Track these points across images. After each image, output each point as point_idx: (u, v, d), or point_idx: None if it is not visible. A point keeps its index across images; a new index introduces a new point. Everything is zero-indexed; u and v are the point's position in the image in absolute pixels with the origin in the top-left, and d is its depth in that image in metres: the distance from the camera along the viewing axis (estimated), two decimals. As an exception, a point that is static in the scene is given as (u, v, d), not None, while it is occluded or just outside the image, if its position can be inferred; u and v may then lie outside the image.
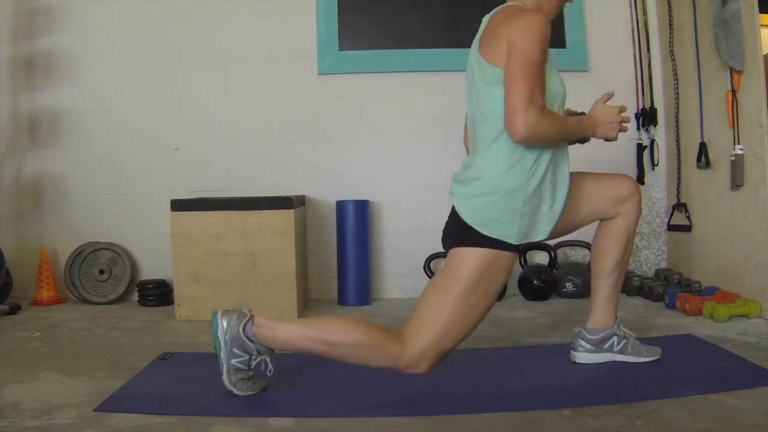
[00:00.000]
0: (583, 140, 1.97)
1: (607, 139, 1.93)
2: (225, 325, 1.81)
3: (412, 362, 1.80)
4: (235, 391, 1.82)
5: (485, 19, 1.92)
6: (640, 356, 2.06)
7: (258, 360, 1.83)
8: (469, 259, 1.81)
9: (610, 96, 1.95)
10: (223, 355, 1.81)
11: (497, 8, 1.89)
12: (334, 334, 1.80)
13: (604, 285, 2.04)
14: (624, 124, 1.92)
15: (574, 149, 1.98)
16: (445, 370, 2.10)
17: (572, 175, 1.94)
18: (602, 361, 2.05)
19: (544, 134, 1.73)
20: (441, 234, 1.93)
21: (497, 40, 1.77)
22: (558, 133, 1.79)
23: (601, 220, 2.06)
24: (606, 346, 2.05)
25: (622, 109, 1.92)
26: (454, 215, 1.88)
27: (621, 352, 2.05)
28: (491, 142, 1.82)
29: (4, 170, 3.50)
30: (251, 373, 1.85)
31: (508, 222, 1.80)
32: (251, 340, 1.80)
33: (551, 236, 1.93)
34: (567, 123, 1.84)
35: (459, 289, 1.80)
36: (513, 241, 1.81)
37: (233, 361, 1.81)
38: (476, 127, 1.89)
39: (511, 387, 1.90)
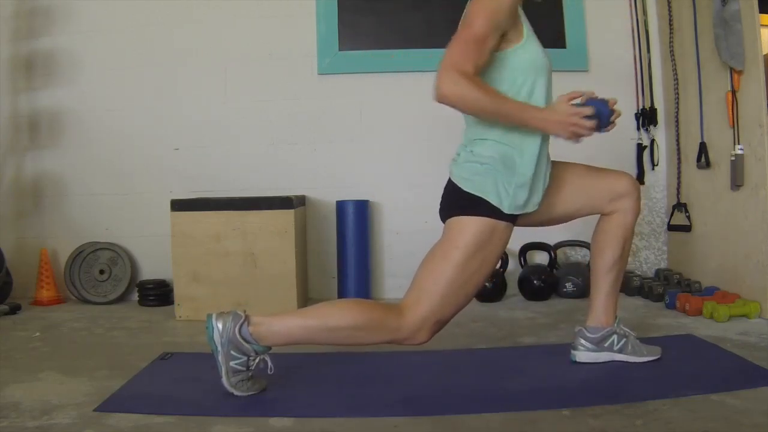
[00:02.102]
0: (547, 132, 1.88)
1: (556, 136, 1.83)
2: (220, 327, 1.80)
3: (411, 332, 1.83)
4: (236, 393, 1.83)
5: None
6: (640, 356, 2.06)
7: (257, 360, 1.83)
8: (466, 227, 1.83)
9: (575, 96, 1.86)
10: (220, 358, 1.81)
11: None
12: (331, 318, 1.82)
13: (602, 283, 2.05)
14: (583, 132, 1.80)
15: (572, 149, 1.98)
16: (445, 370, 2.11)
17: (572, 165, 1.99)
18: (602, 360, 2.05)
19: (461, 99, 1.70)
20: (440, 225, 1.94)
21: (462, 18, 1.82)
22: (484, 105, 1.73)
23: (600, 218, 2.06)
24: (606, 345, 2.05)
25: (582, 113, 1.80)
26: (449, 185, 1.90)
27: (621, 351, 2.05)
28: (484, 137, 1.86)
29: (4, 170, 3.50)
30: (251, 374, 1.85)
31: (502, 190, 1.81)
32: (248, 341, 1.80)
33: (548, 221, 2.00)
34: (503, 102, 1.76)
35: (457, 257, 1.82)
36: (506, 209, 1.82)
37: (231, 363, 1.81)
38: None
39: (511, 387, 1.90)
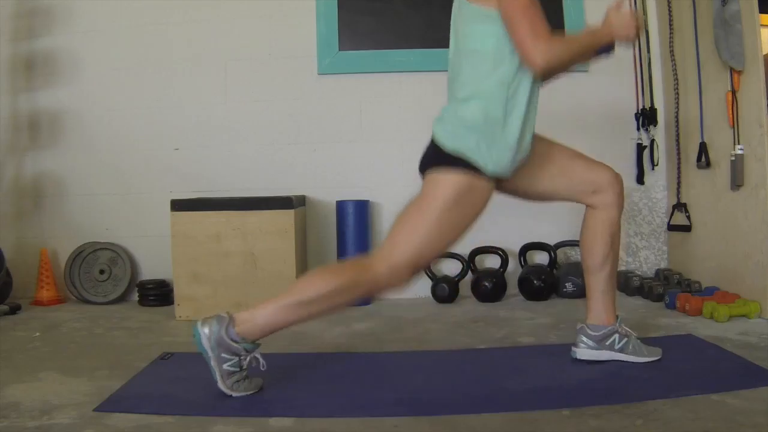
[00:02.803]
0: (603, 51, 1.97)
1: (624, 41, 1.93)
2: (207, 332, 1.81)
3: (388, 280, 1.86)
4: (234, 394, 1.83)
5: None
6: (640, 356, 2.05)
7: (248, 359, 1.85)
8: (445, 181, 1.85)
9: (621, 1, 1.97)
10: (212, 362, 1.82)
11: None
12: (306, 292, 1.84)
13: (596, 282, 2.05)
14: (641, 26, 1.95)
15: (574, 145, 1.98)
16: (445, 370, 2.11)
17: (561, 146, 2.03)
18: (603, 359, 2.05)
19: (560, 59, 1.80)
20: None
21: None
22: (574, 52, 1.86)
23: (585, 214, 2.07)
24: (607, 344, 2.05)
25: (632, 12, 1.94)
26: (431, 143, 1.93)
27: (622, 350, 2.05)
28: (473, 78, 1.87)
29: (4, 170, 3.50)
30: (245, 373, 1.86)
31: (485, 150, 1.83)
32: (236, 341, 1.81)
33: (527, 194, 2.03)
34: (579, 39, 1.90)
35: (435, 209, 1.84)
36: (488, 169, 1.83)
37: (224, 366, 1.82)
38: (457, 67, 1.94)
39: (511, 387, 1.90)
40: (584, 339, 2.07)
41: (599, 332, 2.05)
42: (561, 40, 1.82)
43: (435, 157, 1.89)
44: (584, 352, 2.06)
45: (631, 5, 3.43)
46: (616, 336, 2.05)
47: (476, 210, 1.90)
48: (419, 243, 1.85)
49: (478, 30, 1.85)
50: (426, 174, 1.91)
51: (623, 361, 2.04)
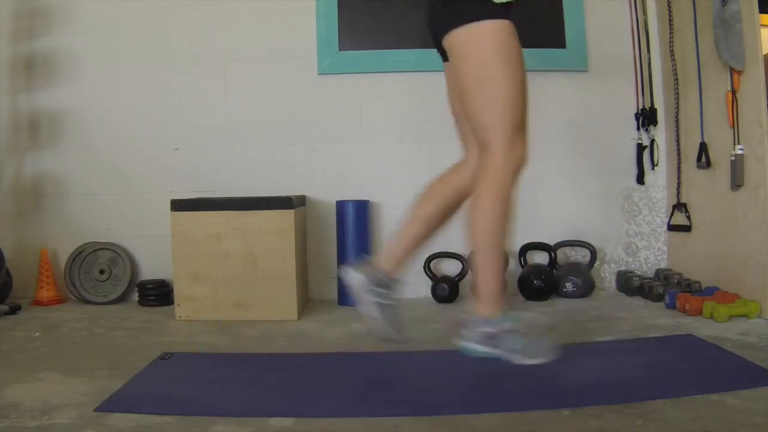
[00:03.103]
0: None
1: None
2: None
3: (507, 160, 1.87)
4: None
5: None
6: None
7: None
8: (478, 39, 1.85)
9: None
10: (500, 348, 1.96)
11: None
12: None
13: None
14: None
15: (571, 149, 1.98)
16: (445, 370, 2.11)
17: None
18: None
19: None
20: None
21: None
22: None
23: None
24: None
25: None
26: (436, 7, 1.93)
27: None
28: None
29: (4, 170, 3.50)
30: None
31: None
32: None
33: None
34: None
35: (495, 68, 1.86)
36: None
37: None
38: None
39: (511, 387, 1.90)
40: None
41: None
42: None
43: (450, 15, 1.88)
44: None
45: (631, 7, 3.44)
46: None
47: (519, 49, 1.91)
48: (508, 102, 1.85)
49: None
50: (448, 35, 1.89)
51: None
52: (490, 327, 1.93)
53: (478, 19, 1.86)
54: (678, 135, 3.29)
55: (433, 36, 2.04)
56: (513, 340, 1.95)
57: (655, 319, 2.69)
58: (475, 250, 1.93)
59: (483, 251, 1.89)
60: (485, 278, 1.92)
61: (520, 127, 1.88)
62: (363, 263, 2.07)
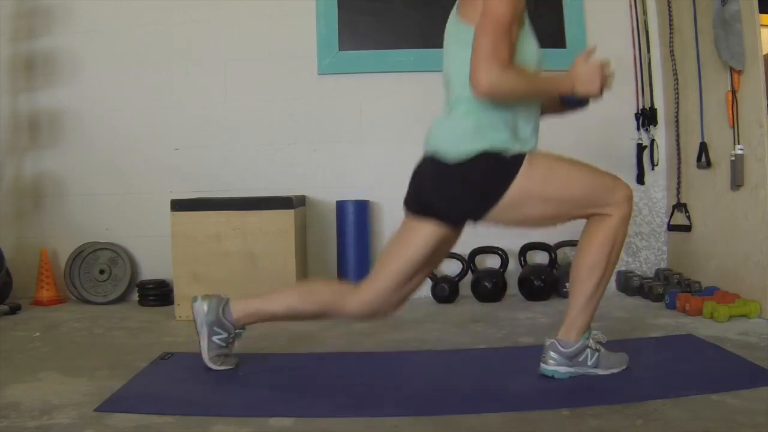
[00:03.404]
0: (575, 104, 1.92)
1: (591, 98, 1.88)
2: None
3: (621, 218, 1.87)
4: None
5: None
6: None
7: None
8: (527, 191, 1.80)
9: (590, 52, 1.90)
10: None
11: None
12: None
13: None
14: (609, 80, 1.87)
15: (573, 148, 1.98)
16: (445, 370, 2.11)
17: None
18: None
19: (507, 89, 1.73)
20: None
21: (474, 1, 1.80)
22: (525, 87, 1.79)
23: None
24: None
25: (604, 63, 1.87)
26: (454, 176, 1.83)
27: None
28: (459, 103, 1.85)
29: (4, 170, 3.50)
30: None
31: (498, 128, 1.80)
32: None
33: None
34: (538, 79, 1.83)
35: (558, 189, 1.84)
36: (509, 145, 1.79)
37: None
38: (449, 90, 1.92)
39: (511, 387, 1.90)
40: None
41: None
42: (517, 72, 1.76)
43: (473, 188, 1.82)
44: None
45: (631, 7, 3.44)
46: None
47: (550, 160, 1.90)
48: (587, 188, 1.87)
49: (457, 54, 1.83)
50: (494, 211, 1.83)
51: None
52: (572, 349, 1.92)
53: (509, 182, 1.80)
54: (678, 135, 3.29)
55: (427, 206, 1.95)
56: (588, 356, 1.94)
57: (655, 319, 2.69)
58: (583, 284, 1.92)
59: (593, 288, 1.91)
60: (586, 312, 1.94)
61: (610, 186, 1.87)
62: (216, 298, 2.07)
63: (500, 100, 1.77)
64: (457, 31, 1.86)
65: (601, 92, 1.87)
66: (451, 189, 1.85)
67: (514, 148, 1.80)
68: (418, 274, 2.01)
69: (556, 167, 1.85)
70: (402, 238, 1.99)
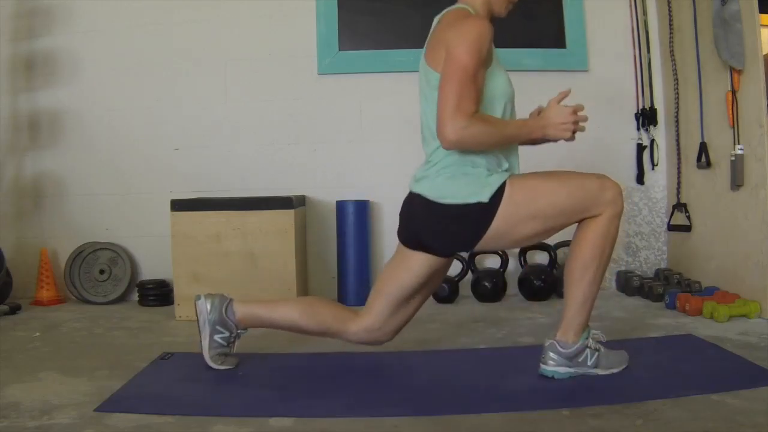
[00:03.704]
0: (535, 142, 1.95)
1: (557, 139, 1.89)
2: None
3: (610, 217, 1.88)
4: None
5: (435, 20, 1.96)
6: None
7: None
8: (507, 208, 1.84)
9: (564, 95, 1.90)
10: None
11: (446, 10, 1.93)
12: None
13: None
14: (581, 124, 1.87)
15: (571, 150, 1.98)
16: (445, 370, 2.11)
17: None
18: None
19: (474, 139, 1.77)
20: None
21: (439, 46, 1.84)
22: (493, 137, 1.81)
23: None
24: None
25: (578, 109, 1.87)
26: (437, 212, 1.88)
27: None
28: (436, 153, 1.90)
29: (4, 170, 3.50)
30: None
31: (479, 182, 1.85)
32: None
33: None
34: (506, 127, 1.85)
35: (545, 206, 1.86)
36: (487, 185, 1.84)
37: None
38: (424, 129, 1.98)
39: (511, 387, 1.90)
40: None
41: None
42: (484, 120, 1.78)
43: (453, 225, 1.88)
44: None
45: (631, 7, 3.44)
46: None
47: (537, 180, 1.94)
48: (574, 196, 1.89)
49: (432, 99, 1.85)
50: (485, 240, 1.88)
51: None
52: (572, 349, 1.92)
53: (491, 218, 1.84)
54: (678, 135, 3.29)
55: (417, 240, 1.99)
56: (588, 356, 1.93)
57: (655, 319, 2.69)
58: (577, 284, 1.91)
59: (587, 287, 1.90)
60: (583, 311, 1.92)
61: (596, 189, 1.87)
62: (219, 297, 2.08)
63: (468, 149, 1.82)
64: (426, 77, 1.91)
65: (573, 137, 1.87)
66: (438, 226, 1.90)
67: (495, 181, 1.84)
68: (415, 298, 2.07)
69: (537, 185, 1.88)
70: (397, 266, 2.04)
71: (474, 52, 1.75)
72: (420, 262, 1.99)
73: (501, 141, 1.85)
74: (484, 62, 1.80)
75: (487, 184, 1.84)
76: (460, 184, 1.86)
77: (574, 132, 1.86)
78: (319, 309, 2.13)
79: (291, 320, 2.08)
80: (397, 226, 2.07)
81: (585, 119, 1.87)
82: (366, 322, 2.06)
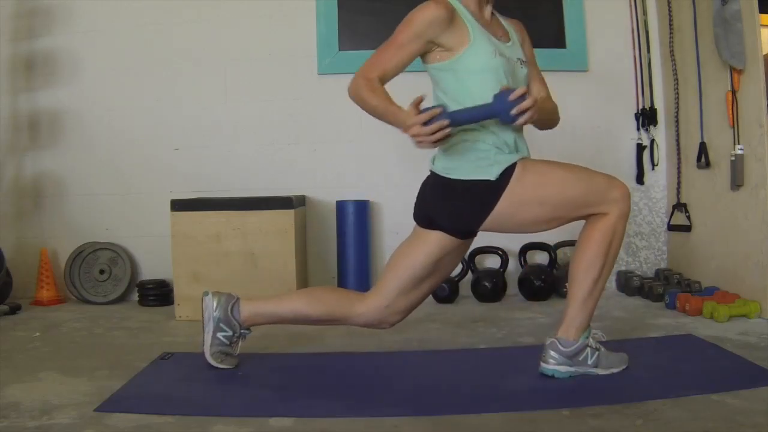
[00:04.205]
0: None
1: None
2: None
3: (618, 216, 1.90)
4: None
5: None
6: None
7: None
8: (515, 188, 1.87)
9: (419, 101, 1.88)
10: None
11: None
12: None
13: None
14: (423, 140, 1.81)
15: (569, 150, 1.98)
16: (445, 370, 2.11)
17: None
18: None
19: (359, 101, 1.95)
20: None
21: None
22: (370, 108, 1.95)
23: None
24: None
25: (433, 114, 1.81)
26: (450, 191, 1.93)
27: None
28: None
29: (4, 170, 3.50)
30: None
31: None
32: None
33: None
34: (384, 107, 1.93)
35: (552, 193, 1.89)
36: (497, 165, 1.87)
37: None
38: None
39: (511, 387, 1.90)
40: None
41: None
42: (371, 89, 1.91)
43: (466, 200, 1.92)
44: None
45: (631, 7, 3.44)
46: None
47: (541, 167, 2.00)
48: (581, 186, 1.92)
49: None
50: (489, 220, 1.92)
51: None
52: (573, 347, 1.92)
53: (498, 196, 1.88)
54: (678, 135, 3.29)
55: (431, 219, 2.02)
56: (588, 355, 1.94)
57: (655, 319, 2.69)
58: (580, 282, 1.94)
59: (591, 285, 1.92)
60: (585, 309, 1.93)
61: (605, 186, 1.89)
62: (226, 296, 2.09)
63: (360, 107, 1.97)
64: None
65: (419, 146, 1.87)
66: (445, 201, 1.95)
67: (504, 160, 1.88)
68: (425, 282, 2.06)
69: (548, 171, 1.92)
70: (411, 244, 2.06)
71: (403, 29, 1.92)
72: (431, 241, 2.00)
73: (375, 114, 1.97)
74: (419, 39, 1.92)
75: (496, 162, 1.88)
76: (468, 159, 1.90)
77: (421, 144, 1.82)
78: (324, 294, 2.16)
79: (298, 310, 2.09)
80: (414, 206, 2.10)
81: (427, 133, 1.82)
82: (375, 300, 2.06)
